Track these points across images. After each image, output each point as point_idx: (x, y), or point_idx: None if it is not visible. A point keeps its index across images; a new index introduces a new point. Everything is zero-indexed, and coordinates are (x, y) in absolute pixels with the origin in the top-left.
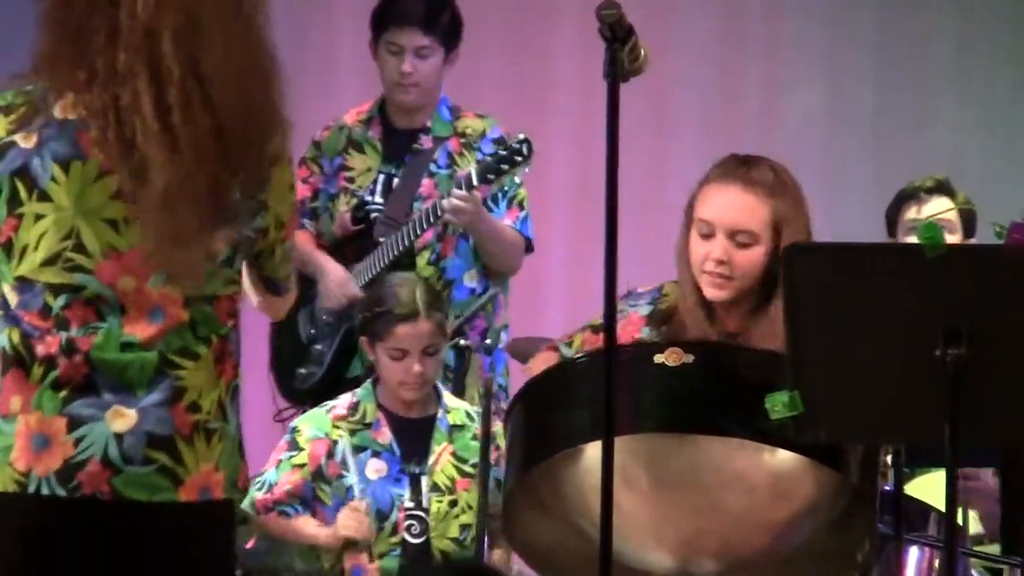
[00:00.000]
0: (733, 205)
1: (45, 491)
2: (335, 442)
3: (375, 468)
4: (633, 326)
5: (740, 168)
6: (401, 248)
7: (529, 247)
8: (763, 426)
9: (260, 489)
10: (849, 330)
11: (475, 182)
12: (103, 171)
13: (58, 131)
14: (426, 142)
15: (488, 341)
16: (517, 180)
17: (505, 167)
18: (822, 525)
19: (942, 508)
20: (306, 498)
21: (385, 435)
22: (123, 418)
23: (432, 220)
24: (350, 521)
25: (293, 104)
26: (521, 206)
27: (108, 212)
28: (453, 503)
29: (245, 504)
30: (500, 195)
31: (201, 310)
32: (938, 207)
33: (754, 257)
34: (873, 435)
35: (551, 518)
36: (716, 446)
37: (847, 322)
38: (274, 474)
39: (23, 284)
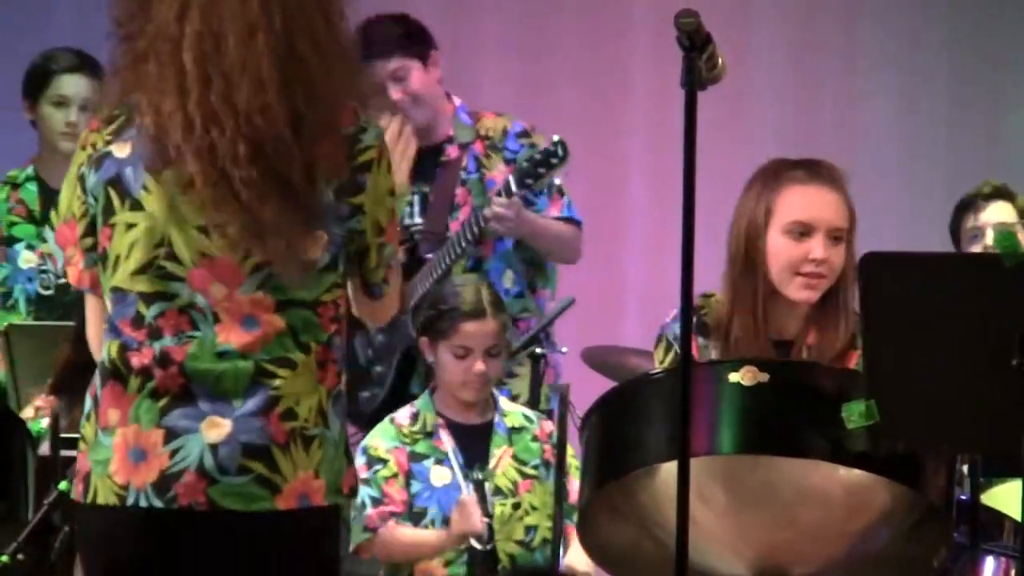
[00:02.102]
0: (829, 204)
1: (143, 503)
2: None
3: (439, 475)
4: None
5: (815, 167)
6: (450, 261)
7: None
8: (839, 445)
9: (364, 508)
10: (926, 339)
11: (514, 188)
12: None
13: (149, 141)
14: (452, 151)
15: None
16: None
17: (542, 170)
18: (897, 534)
19: (1018, 518)
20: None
21: (445, 442)
22: (218, 428)
23: (476, 230)
24: (465, 516)
25: None
26: (561, 192)
27: (199, 219)
28: (516, 505)
29: (356, 533)
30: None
31: (301, 315)
32: (997, 211)
33: (842, 253)
34: (950, 445)
35: (627, 523)
36: (792, 464)
37: (924, 331)
38: (371, 490)
39: (117, 294)
